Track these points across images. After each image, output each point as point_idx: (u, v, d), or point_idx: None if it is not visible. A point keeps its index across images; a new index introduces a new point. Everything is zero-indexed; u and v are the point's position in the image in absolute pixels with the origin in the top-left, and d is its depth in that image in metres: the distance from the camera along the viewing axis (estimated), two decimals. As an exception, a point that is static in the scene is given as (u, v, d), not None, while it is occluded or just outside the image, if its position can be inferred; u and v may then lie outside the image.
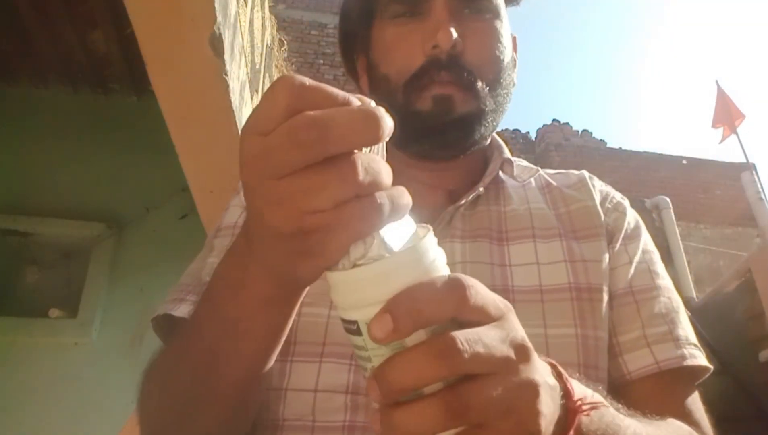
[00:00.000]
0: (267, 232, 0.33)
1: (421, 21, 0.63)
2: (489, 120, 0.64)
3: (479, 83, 0.63)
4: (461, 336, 0.30)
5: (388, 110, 0.32)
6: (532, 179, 0.73)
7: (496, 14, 0.67)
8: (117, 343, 2.69)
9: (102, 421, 2.42)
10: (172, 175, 2.38)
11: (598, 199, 0.70)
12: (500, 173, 0.70)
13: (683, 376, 0.61)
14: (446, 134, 0.63)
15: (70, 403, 2.56)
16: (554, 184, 0.73)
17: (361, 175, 0.30)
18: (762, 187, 4.74)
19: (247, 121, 0.32)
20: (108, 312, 2.78)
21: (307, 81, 0.31)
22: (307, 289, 0.40)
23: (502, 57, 0.66)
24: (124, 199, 2.97)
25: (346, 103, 0.31)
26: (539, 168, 0.75)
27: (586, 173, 0.74)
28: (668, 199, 6.00)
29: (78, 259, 2.89)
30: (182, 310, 0.61)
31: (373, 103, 0.32)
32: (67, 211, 2.87)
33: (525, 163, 0.75)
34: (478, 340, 0.31)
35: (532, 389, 0.33)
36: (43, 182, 2.92)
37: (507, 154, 0.71)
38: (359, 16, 0.70)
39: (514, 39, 0.72)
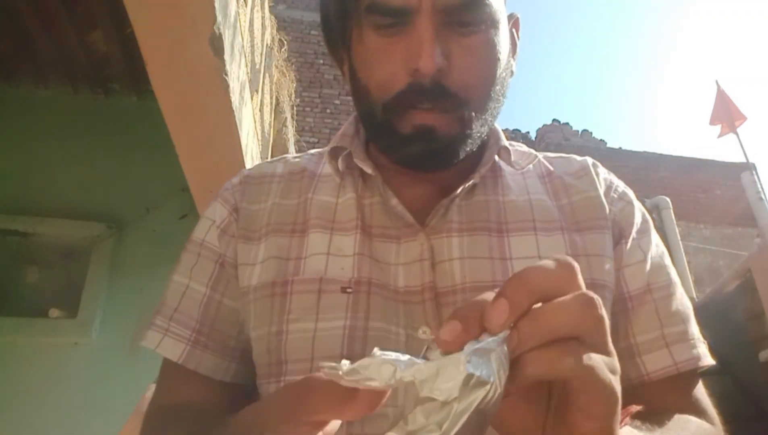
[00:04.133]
0: None
1: (404, 35, 0.57)
2: (476, 137, 0.61)
3: (466, 111, 0.59)
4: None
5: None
6: (531, 166, 0.69)
7: (491, 23, 0.60)
8: (117, 343, 2.69)
9: (102, 421, 2.42)
10: (172, 175, 2.38)
11: (602, 189, 0.67)
12: (497, 159, 0.67)
13: (695, 374, 0.61)
14: (428, 157, 0.60)
15: (70, 403, 2.56)
16: (555, 172, 0.69)
17: None
18: (762, 187, 4.75)
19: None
20: (108, 312, 2.78)
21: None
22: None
23: (494, 72, 0.60)
24: (124, 199, 2.97)
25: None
26: (538, 153, 0.72)
27: (589, 160, 0.71)
28: (668, 199, 6.01)
29: (78, 259, 2.89)
30: (148, 339, 0.63)
31: None
32: (67, 211, 2.87)
33: (524, 148, 0.72)
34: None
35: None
36: (43, 182, 2.92)
37: (504, 141, 0.67)
38: (336, 10, 0.65)
39: (516, 20, 0.68)
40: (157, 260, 2.72)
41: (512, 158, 0.66)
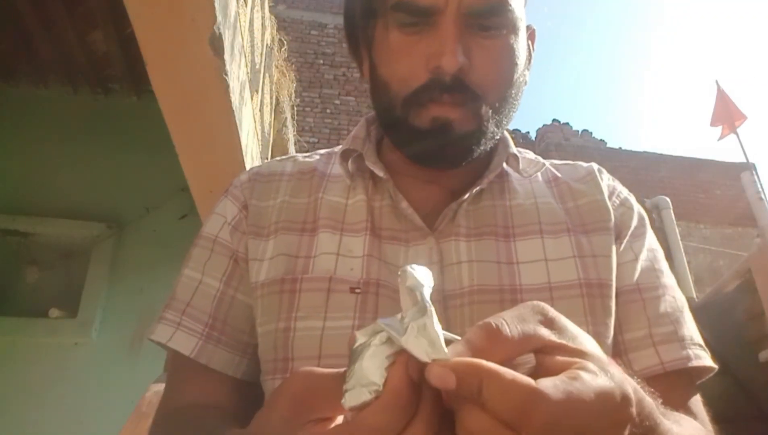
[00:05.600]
0: None
1: (427, 33, 0.59)
2: (490, 137, 0.62)
3: (483, 107, 0.60)
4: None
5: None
6: (539, 173, 0.71)
7: (512, 28, 0.62)
8: (117, 343, 2.69)
9: (102, 421, 2.41)
10: (172, 175, 2.39)
11: (606, 193, 0.68)
12: (505, 166, 0.68)
13: (687, 377, 0.61)
14: (443, 152, 0.61)
15: (70, 403, 2.56)
16: (561, 177, 0.71)
17: None
18: (762, 187, 4.75)
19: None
20: (108, 312, 2.79)
21: None
22: None
23: (512, 76, 0.62)
24: (124, 199, 2.98)
25: None
26: (545, 161, 0.73)
27: (595, 166, 0.73)
28: (668, 199, 6.01)
29: (78, 259, 2.89)
30: (158, 333, 0.62)
31: None
32: (67, 211, 2.87)
33: (531, 156, 0.73)
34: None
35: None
36: (43, 182, 2.92)
37: (512, 148, 0.68)
38: (362, 7, 0.67)
39: (533, 32, 0.70)
40: (157, 260, 2.73)
41: (520, 166, 0.68)
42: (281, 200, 0.67)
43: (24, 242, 2.87)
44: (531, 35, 0.69)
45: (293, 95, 3.22)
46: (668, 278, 0.66)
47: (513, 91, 0.63)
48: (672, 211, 5.90)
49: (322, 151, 0.77)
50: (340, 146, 0.71)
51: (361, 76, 0.71)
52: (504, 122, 0.64)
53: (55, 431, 2.50)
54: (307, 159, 0.74)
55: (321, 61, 8.29)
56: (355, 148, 0.68)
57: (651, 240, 0.68)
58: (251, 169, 0.74)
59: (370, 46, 0.66)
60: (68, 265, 2.92)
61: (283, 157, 0.76)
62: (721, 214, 8.92)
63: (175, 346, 0.61)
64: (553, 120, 10.21)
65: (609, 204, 0.67)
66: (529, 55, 0.68)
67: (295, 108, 3.56)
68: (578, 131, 10.24)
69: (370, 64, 0.66)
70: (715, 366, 0.61)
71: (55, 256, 2.92)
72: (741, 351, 2.90)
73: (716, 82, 6.89)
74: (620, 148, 9.90)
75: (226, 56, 1.59)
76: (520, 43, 0.63)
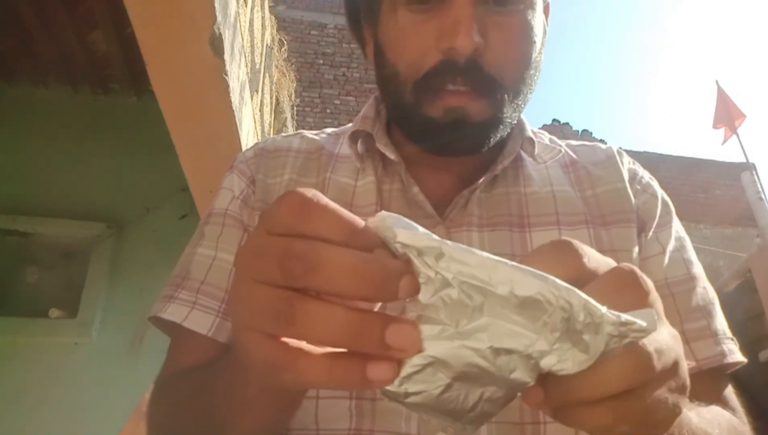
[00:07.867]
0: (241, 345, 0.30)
1: (439, 12, 0.54)
2: (507, 123, 0.59)
3: (500, 92, 0.56)
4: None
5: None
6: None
7: (529, 3, 0.58)
8: (117, 343, 2.69)
9: (102, 421, 2.42)
10: (172, 175, 2.38)
11: (626, 178, 0.64)
12: (520, 151, 0.64)
13: (719, 372, 0.58)
14: (457, 143, 0.58)
15: (70, 403, 2.56)
16: (579, 161, 0.67)
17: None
18: (762, 187, 4.75)
19: (263, 215, 0.30)
20: (108, 312, 2.78)
21: (321, 201, 0.28)
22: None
23: (530, 56, 0.58)
24: (124, 199, 2.97)
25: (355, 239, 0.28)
26: (562, 142, 0.69)
27: (614, 148, 0.68)
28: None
29: (78, 259, 2.89)
30: (171, 312, 0.58)
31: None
32: (67, 211, 2.87)
33: (547, 139, 0.69)
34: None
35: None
36: (43, 182, 2.92)
37: (528, 132, 0.64)
38: None
39: (546, 6, 0.65)
40: (157, 260, 2.72)
41: (536, 151, 0.64)
42: (288, 178, 0.65)
43: (24, 242, 2.86)
44: (545, 9, 0.65)
45: (293, 95, 3.22)
46: (697, 268, 0.62)
47: (531, 72, 0.59)
48: (672, 211, 5.90)
49: (329, 130, 0.74)
50: (349, 125, 0.68)
51: (364, 58, 0.67)
52: (522, 106, 0.60)
53: (55, 431, 2.50)
54: (314, 136, 0.71)
55: (321, 61, 8.30)
56: (365, 129, 0.65)
57: (677, 227, 0.65)
58: (256, 144, 0.71)
59: (375, 25, 0.61)
60: (68, 265, 2.92)
61: (289, 133, 0.73)
62: (721, 214, 8.93)
63: (191, 325, 0.58)
64: (553, 120, 10.22)
65: (630, 192, 0.63)
66: (545, 31, 0.64)
67: (295, 108, 3.56)
68: (578, 131, 10.24)
69: (375, 46, 0.62)
70: (745, 360, 0.59)
71: (55, 256, 2.92)
72: (741, 351, 2.91)
73: (716, 82, 6.90)
74: (620, 148, 9.90)
75: (226, 56, 1.59)
76: (538, 20, 0.59)
